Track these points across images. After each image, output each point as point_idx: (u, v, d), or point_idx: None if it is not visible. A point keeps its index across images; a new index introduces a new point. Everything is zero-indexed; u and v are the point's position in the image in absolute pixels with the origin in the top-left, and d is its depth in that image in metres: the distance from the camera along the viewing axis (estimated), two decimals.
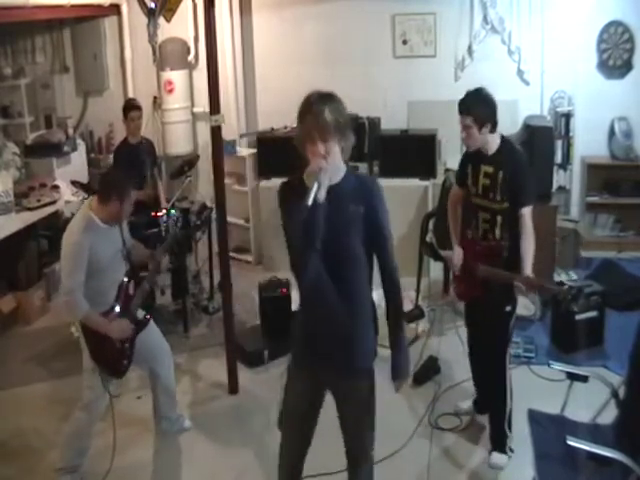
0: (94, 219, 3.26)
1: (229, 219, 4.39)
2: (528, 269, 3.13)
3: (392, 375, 2.59)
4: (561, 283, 3.11)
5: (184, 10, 6.55)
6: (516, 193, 3.22)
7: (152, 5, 6.37)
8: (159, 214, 4.94)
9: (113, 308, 3.35)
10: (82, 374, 3.39)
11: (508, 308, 3.32)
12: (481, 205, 3.39)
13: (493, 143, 3.29)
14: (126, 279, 3.44)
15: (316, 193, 2.22)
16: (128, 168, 5.20)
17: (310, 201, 2.20)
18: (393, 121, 6.15)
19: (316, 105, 2.27)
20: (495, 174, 3.26)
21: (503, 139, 3.33)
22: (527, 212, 3.21)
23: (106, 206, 3.26)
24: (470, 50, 6.16)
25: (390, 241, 2.52)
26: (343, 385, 2.59)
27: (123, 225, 3.49)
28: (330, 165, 2.30)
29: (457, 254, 3.54)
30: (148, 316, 3.57)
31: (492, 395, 3.56)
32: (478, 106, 3.20)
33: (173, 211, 4.95)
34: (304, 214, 2.23)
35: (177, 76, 6.41)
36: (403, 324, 2.64)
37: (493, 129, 3.25)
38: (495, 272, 3.26)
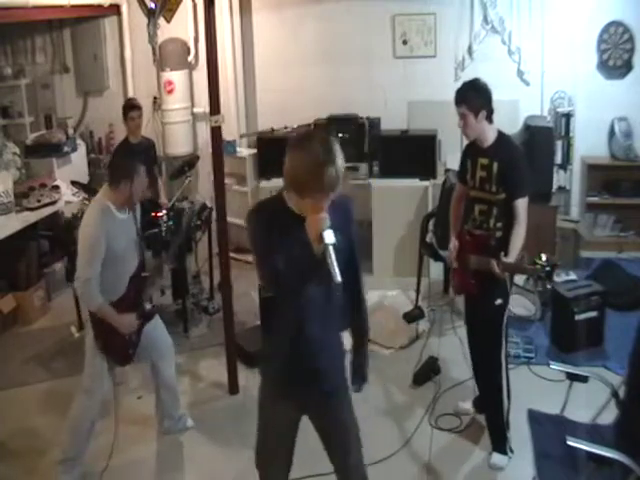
0: (110, 207, 3.28)
1: (229, 219, 4.38)
2: (511, 258, 3.17)
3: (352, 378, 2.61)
4: (534, 262, 3.14)
5: (184, 10, 6.56)
6: (510, 185, 3.26)
7: (152, 5, 6.38)
8: (159, 214, 4.94)
9: (124, 299, 3.37)
10: (84, 361, 3.42)
11: (499, 301, 3.32)
12: (478, 197, 3.42)
13: (490, 135, 3.33)
14: (138, 271, 3.47)
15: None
16: None
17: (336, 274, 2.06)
18: (393, 121, 6.15)
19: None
20: (490, 166, 3.31)
21: (500, 133, 3.37)
22: (521, 204, 3.24)
23: (117, 191, 3.28)
24: (470, 50, 6.16)
25: (360, 268, 2.41)
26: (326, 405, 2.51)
27: (137, 214, 3.50)
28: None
29: (453, 246, 3.58)
30: (153, 305, 3.61)
31: (488, 394, 3.56)
32: (471, 94, 3.27)
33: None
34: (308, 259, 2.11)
35: (177, 76, 6.41)
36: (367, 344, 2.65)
37: (489, 118, 3.30)
38: (480, 260, 3.30)
